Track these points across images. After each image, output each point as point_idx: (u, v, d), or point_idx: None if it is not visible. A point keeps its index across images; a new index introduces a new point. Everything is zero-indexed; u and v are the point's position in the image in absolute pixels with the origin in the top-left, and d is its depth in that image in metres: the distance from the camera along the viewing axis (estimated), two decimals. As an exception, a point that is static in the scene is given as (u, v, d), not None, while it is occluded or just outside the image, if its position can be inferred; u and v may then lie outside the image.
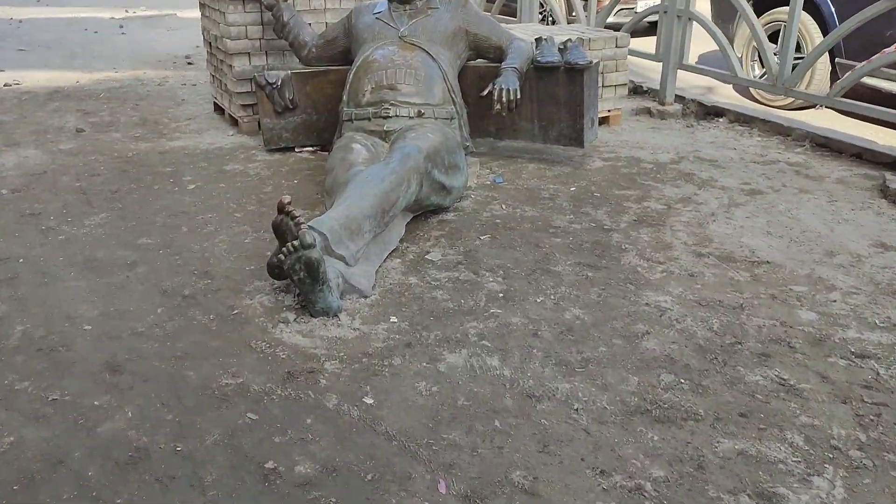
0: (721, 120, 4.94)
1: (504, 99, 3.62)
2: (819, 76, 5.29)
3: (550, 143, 4.00)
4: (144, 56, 7.35)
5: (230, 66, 4.45)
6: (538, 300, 2.61)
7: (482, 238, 3.11)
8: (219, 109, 5.04)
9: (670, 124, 4.92)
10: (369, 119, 3.52)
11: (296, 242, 2.36)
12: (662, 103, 5.16)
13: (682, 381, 2.16)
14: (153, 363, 2.25)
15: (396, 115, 3.48)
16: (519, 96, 3.65)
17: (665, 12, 4.99)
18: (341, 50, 4.05)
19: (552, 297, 2.63)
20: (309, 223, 2.54)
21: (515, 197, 3.59)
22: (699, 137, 4.62)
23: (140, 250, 3.01)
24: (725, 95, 5.90)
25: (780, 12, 5.43)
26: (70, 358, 2.28)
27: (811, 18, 5.27)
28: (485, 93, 3.71)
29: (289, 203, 2.44)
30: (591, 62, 3.78)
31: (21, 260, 2.93)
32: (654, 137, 4.62)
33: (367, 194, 2.80)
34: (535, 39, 3.96)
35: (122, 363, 2.25)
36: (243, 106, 4.54)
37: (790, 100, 5.38)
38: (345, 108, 3.67)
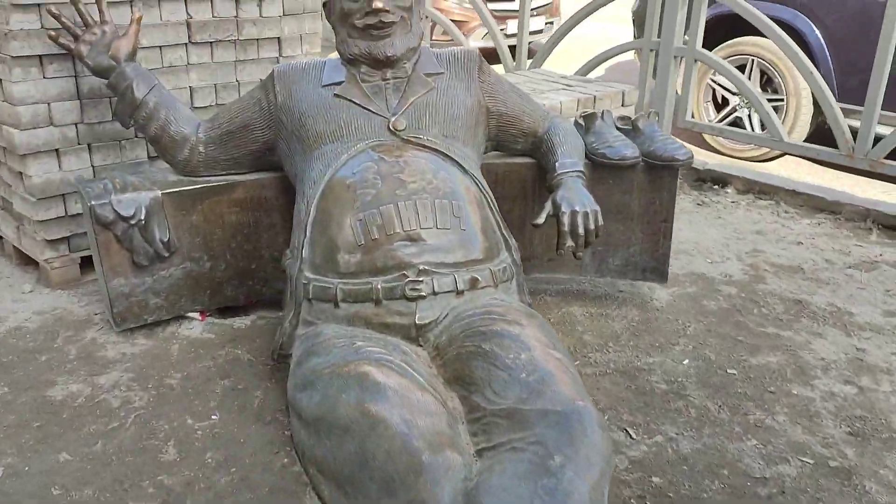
0: (728, 191, 3.78)
1: (581, 231, 2.09)
2: (801, 123, 4.34)
3: (611, 275, 2.54)
4: None
5: (21, 173, 2.45)
6: None
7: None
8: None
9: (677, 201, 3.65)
10: (378, 302, 1.81)
11: None
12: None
13: None
14: None
15: (433, 293, 1.81)
16: (601, 222, 2.14)
17: (653, 51, 3.70)
18: (255, 148, 2.26)
19: None
20: None
21: (611, 390, 2.09)
22: (733, 223, 3.40)
23: None
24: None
25: (745, 43, 4.40)
26: None
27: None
28: (541, 220, 2.13)
29: None
30: (691, 154, 2.36)
31: None
32: (679, 227, 3.31)
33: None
34: (584, 117, 2.45)
35: None
36: (51, 242, 2.54)
37: (763, 150, 4.38)
38: (307, 273, 1.92)
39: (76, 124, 2.44)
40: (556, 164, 2.23)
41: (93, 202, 2.12)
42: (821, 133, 4.10)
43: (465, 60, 2.22)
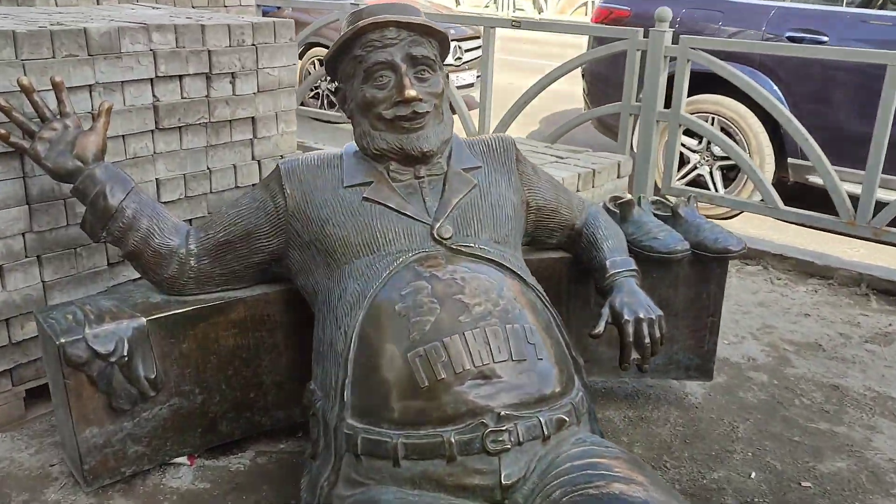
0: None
1: (647, 341, 1.84)
2: (766, 177, 4.28)
3: (652, 376, 2.30)
4: None
5: (-48, 297, 1.99)
6: None
7: None
8: None
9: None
10: (451, 458, 1.48)
11: None
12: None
13: None
14: None
15: (518, 443, 1.50)
16: (666, 329, 1.89)
17: (633, 115, 3.55)
18: (258, 259, 1.90)
19: None
20: None
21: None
22: (731, 294, 3.24)
23: None
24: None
25: (705, 101, 4.34)
26: None
27: (749, 111, 4.23)
28: (600, 330, 1.86)
29: None
30: (745, 244, 2.16)
31: None
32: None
33: None
34: (620, 205, 2.22)
35: None
36: (-8, 376, 2.07)
37: (724, 209, 4.31)
38: (353, 422, 1.57)
39: (23, 234, 2.01)
40: (608, 262, 1.97)
41: (62, 339, 1.70)
42: (780, 190, 4.06)
43: (502, 150, 1.95)
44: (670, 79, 3.93)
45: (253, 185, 1.94)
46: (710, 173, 4.49)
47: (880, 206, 3.16)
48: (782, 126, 4.23)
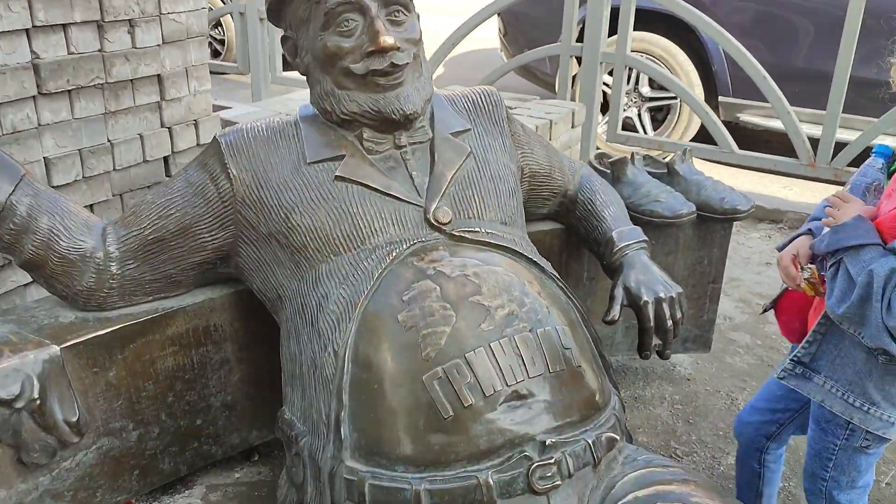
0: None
1: (669, 324, 1.59)
2: (694, 123, 4.13)
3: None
4: None
5: None
6: None
7: None
8: None
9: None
10: (490, 503, 1.18)
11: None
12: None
13: None
14: None
15: (568, 475, 1.22)
16: (686, 307, 1.65)
17: (573, 57, 3.26)
18: (198, 259, 1.51)
19: None
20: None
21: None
22: (688, 247, 3.08)
23: None
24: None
25: (634, 39, 4.11)
26: None
27: (678, 48, 4.04)
28: (615, 314, 1.59)
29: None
30: (753, 202, 1.93)
31: None
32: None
33: None
34: (613, 164, 1.93)
35: None
36: None
37: (656, 151, 4.14)
38: (354, 464, 1.23)
39: None
40: (614, 234, 1.70)
41: (-54, 387, 1.27)
42: (705, 131, 3.92)
43: (491, 106, 1.62)
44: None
45: (186, 165, 1.52)
46: (639, 115, 4.30)
47: (839, 146, 3.03)
48: (713, 64, 4.10)
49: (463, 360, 1.22)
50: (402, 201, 1.40)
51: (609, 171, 1.92)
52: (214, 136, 1.48)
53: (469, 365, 1.22)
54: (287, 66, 4.68)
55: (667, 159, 2.00)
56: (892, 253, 1.13)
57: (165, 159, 2.14)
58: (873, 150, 1.34)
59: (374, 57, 1.40)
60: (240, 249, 1.48)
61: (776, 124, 4.00)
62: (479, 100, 1.61)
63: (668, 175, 1.96)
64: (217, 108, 2.55)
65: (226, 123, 2.47)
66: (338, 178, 1.40)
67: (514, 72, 4.78)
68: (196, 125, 2.20)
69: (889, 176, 1.31)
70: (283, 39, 1.52)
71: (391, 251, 1.35)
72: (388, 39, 1.38)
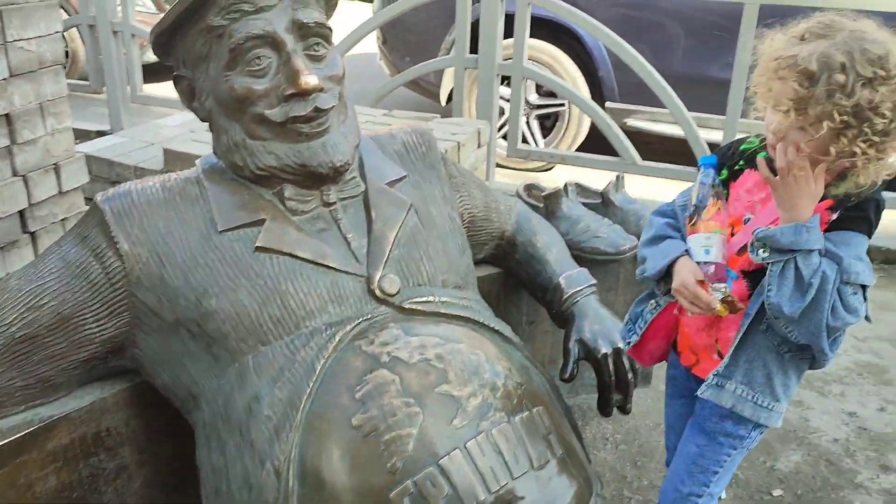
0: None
1: (630, 376, 1.47)
2: (583, 129, 4.09)
3: (586, 392, 1.96)
4: None
5: None
6: None
7: None
8: None
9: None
10: None
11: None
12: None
13: None
14: None
15: None
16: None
17: (468, 69, 3.09)
18: (84, 357, 1.21)
19: None
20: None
21: None
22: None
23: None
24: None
25: (533, 48, 4.00)
26: None
27: (566, 55, 3.98)
28: (570, 373, 1.44)
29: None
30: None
31: None
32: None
33: None
34: (546, 197, 1.77)
35: None
36: None
37: (539, 162, 4.07)
38: None
39: None
40: (562, 280, 1.54)
41: None
42: (594, 138, 3.88)
43: (425, 148, 1.42)
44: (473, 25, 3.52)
45: (59, 239, 1.22)
46: (528, 124, 4.21)
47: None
48: (599, 69, 4.06)
49: (436, 467, 1.02)
50: (340, 272, 1.18)
51: (542, 206, 1.77)
52: (94, 202, 1.20)
53: (445, 473, 1.02)
54: (151, 78, 4.27)
55: (602, 189, 1.87)
56: (829, 257, 1.09)
57: (21, 213, 1.79)
58: (701, 163, 1.26)
59: (294, 101, 1.16)
60: (137, 340, 1.20)
61: (662, 128, 4.04)
62: (410, 141, 1.41)
63: (603, 205, 1.83)
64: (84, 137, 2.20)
65: (89, 159, 2.13)
66: (259, 248, 1.16)
67: (405, 86, 4.58)
68: (57, 170, 1.87)
69: (724, 184, 1.24)
70: (176, 79, 1.25)
71: (333, 335, 1.12)
72: (310, 80, 1.15)
